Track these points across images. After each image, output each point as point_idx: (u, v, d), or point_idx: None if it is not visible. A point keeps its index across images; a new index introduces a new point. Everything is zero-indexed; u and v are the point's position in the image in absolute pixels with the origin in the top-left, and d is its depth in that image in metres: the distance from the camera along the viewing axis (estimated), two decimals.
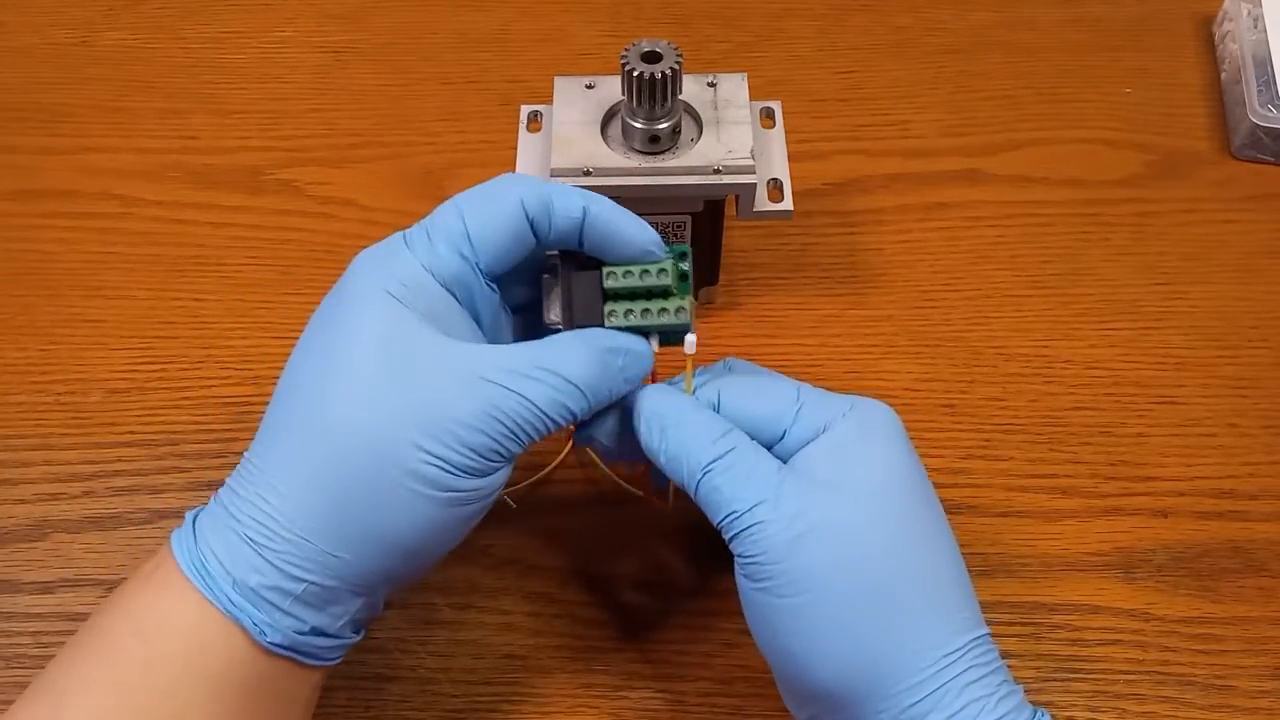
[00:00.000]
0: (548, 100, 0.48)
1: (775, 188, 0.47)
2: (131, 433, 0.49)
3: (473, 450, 0.33)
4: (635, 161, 0.45)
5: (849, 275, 0.54)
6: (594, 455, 0.46)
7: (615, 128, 0.46)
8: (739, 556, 0.34)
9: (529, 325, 0.39)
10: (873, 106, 0.62)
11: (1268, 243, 0.55)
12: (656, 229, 0.37)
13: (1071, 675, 0.42)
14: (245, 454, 0.35)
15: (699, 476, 0.35)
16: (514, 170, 0.47)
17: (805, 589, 0.33)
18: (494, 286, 0.36)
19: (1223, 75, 0.62)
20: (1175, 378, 0.51)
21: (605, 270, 0.36)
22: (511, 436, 0.33)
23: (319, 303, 0.36)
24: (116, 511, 0.47)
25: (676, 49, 0.44)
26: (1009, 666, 0.34)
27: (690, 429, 0.35)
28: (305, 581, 0.33)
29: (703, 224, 0.48)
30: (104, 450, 0.49)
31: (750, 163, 0.45)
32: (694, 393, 0.37)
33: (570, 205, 0.35)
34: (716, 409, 0.37)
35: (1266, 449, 0.48)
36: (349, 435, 0.32)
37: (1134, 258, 0.55)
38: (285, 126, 0.61)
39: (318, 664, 0.35)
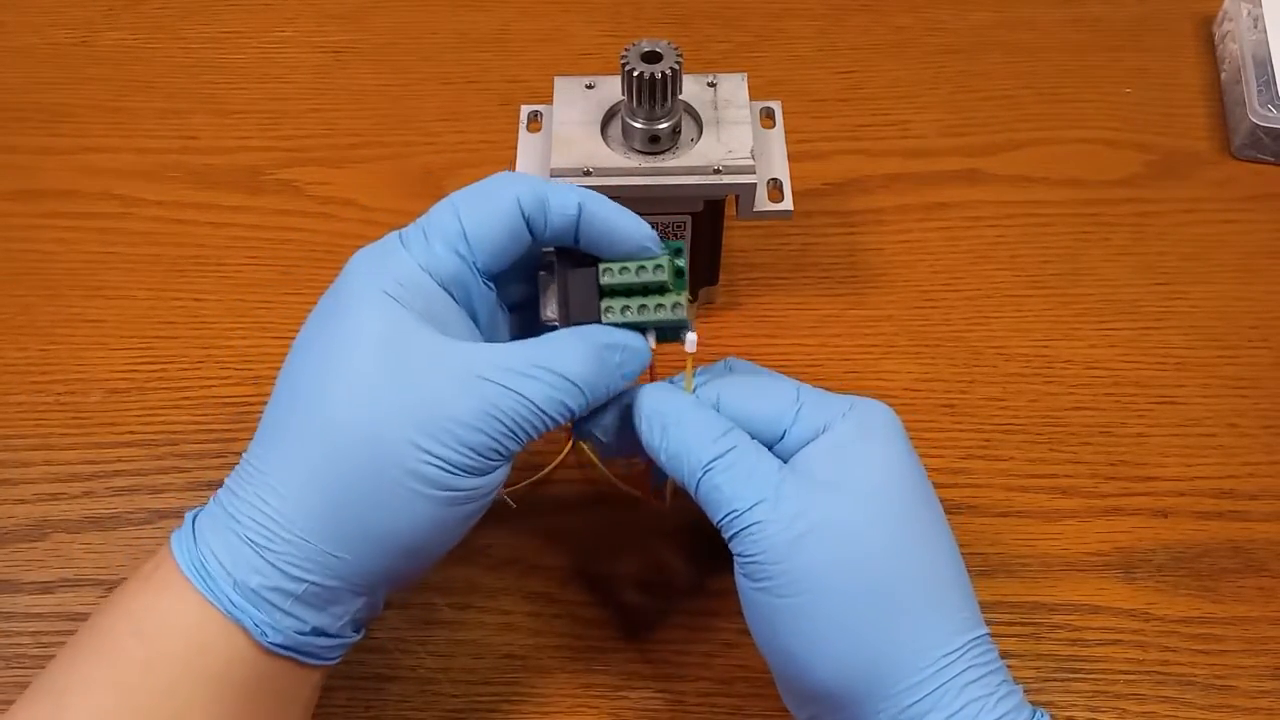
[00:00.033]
0: (548, 100, 0.48)
1: (775, 188, 0.47)
2: (131, 433, 0.49)
3: (472, 449, 0.33)
4: (635, 161, 0.45)
5: (849, 275, 0.54)
6: (591, 456, 0.46)
7: (615, 128, 0.46)
8: (738, 556, 0.34)
9: (525, 322, 0.39)
10: (873, 106, 0.62)
11: (1268, 243, 0.55)
12: (656, 229, 0.37)
13: (1071, 675, 0.42)
14: (244, 455, 0.35)
15: (699, 475, 0.35)
16: (514, 170, 0.47)
17: (805, 589, 0.33)
18: (491, 285, 0.36)
19: (1223, 75, 0.62)
20: (1175, 378, 0.51)
21: (601, 267, 0.36)
22: (510, 435, 0.33)
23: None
24: (116, 511, 0.47)
25: (676, 49, 0.44)
26: (1009, 666, 0.34)
27: (691, 427, 0.35)
28: (306, 582, 0.33)
29: (703, 224, 0.48)
30: (104, 450, 0.49)
31: (750, 163, 0.45)
32: (694, 392, 0.37)
33: (566, 202, 0.35)
34: (716, 409, 0.37)
35: (1266, 449, 0.48)
36: (348, 436, 0.32)
37: (1134, 258, 0.55)
38: (285, 126, 0.61)
39: (318, 663, 0.35)
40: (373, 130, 0.61)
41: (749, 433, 0.36)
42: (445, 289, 0.35)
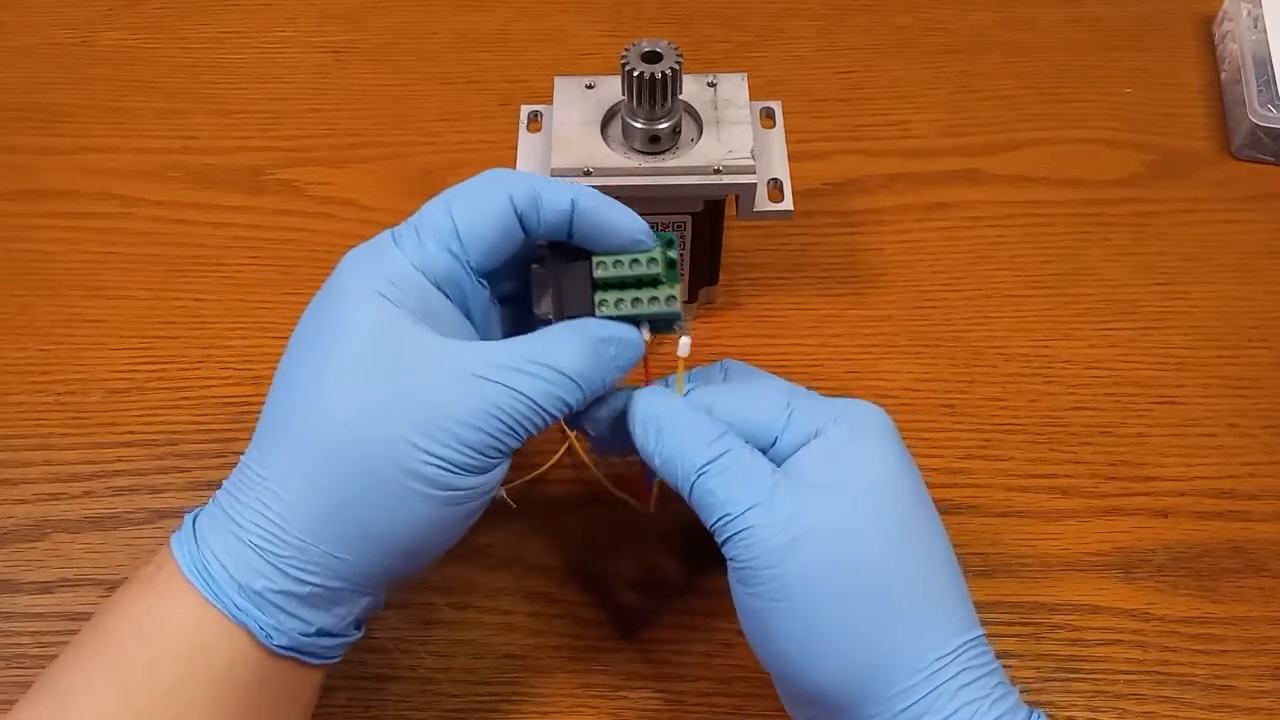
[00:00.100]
0: (548, 100, 0.48)
1: (775, 188, 0.47)
2: (131, 433, 0.49)
3: (471, 448, 0.33)
4: (635, 161, 0.45)
5: (849, 275, 0.54)
6: (584, 457, 0.46)
7: (615, 128, 0.46)
8: (732, 560, 0.34)
9: (518, 316, 0.39)
10: (873, 106, 0.62)
11: (1268, 243, 0.55)
12: (655, 229, 0.37)
13: (1071, 675, 0.42)
14: (243, 458, 0.34)
15: (693, 479, 0.35)
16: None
17: (799, 593, 0.33)
18: (484, 282, 0.36)
19: (1223, 75, 0.62)
20: (1175, 378, 0.51)
21: (595, 260, 0.36)
22: (509, 432, 0.33)
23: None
24: (116, 511, 0.47)
25: (676, 49, 0.44)
26: (1009, 667, 0.34)
27: (685, 431, 0.35)
28: (310, 584, 0.33)
29: (703, 224, 0.48)
30: (104, 450, 0.49)
31: (750, 163, 0.45)
32: (686, 396, 0.37)
33: (559, 198, 0.35)
34: (709, 414, 0.36)
35: (1266, 449, 0.48)
36: (347, 438, 0.32)
37: (1134, 258, 0.55)
38: (285, 126, 0.61)
39: (320, 663, 0.35)
40: (373, 130, 0.61)
41: (742, 437, 0.36)
42: (439, 287, 0.35)
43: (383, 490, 0.32)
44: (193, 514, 0.35)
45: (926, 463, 0.48)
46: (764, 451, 0.36)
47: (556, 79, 0.48)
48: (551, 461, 0.47)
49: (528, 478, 0.46)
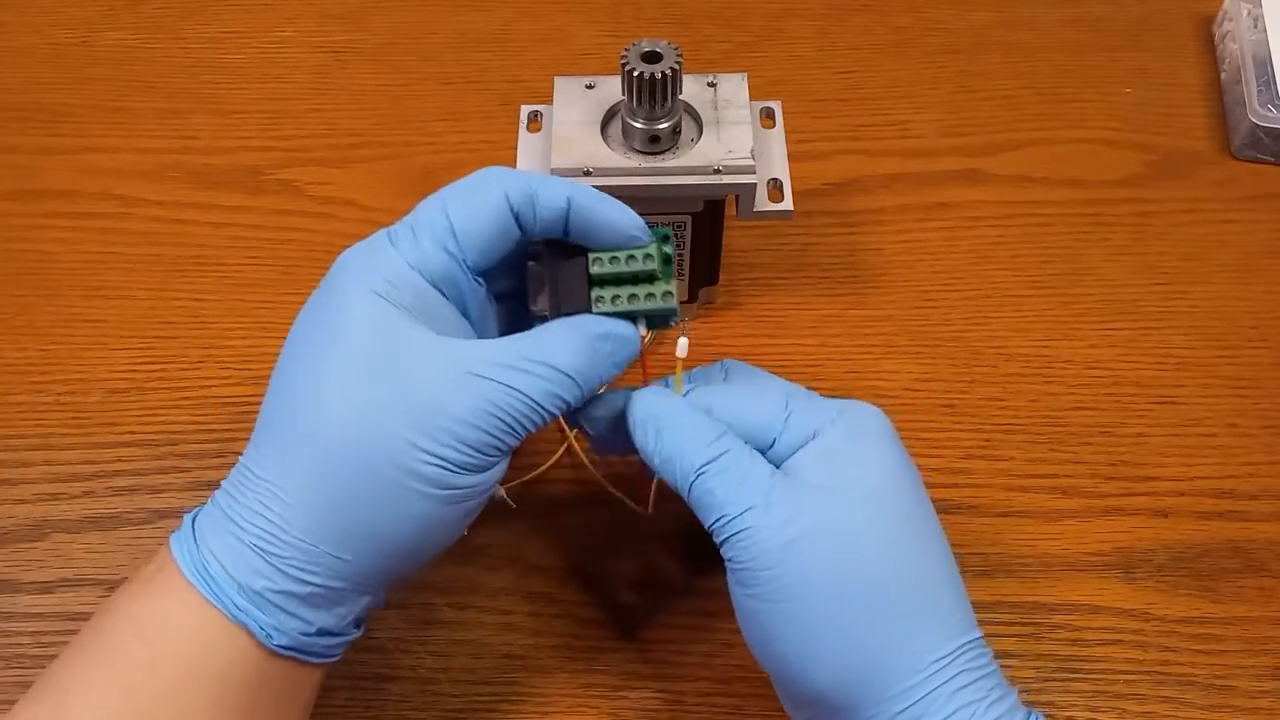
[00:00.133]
0: (548, 100, 0.48)
1: (775, 188, 0.47)
2: (131, 433, 0.49)
3: (470, 447, 0.33)
4: (635, 161, 0.45)
5: (849, 275, 0.54)
6: (583, 457, 0.46)
7: (615, 128, 0.46)
8: (730, 561, 0.34)
9: (514, 313, 0.39)
10: (873, 106, 0.62)
11: (1268, 243, 0.55)
12: (651, 225, 0.37)
13: (1071, 675, 0.42)
14: (241, 458, 0.34)
15: (692, 479, 0.35)
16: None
17: (796, 594, 0.33)
18: (480, 280, 0.36)
19: (1223, 75, 0.62)
20: (1175, 378, 0.51)
21: (591, 257, 0.36)
22: (508, 430, 0.33)
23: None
24: (116, 511, 0.47)
25: (676, 49, 0.44)
26: (1009, 667, 0.34)
27: (685, 431, 0.35)
28: (311, 584, 0.33)
29: (703, 224, 0.48)
30: (104, 450, 0.49)
31: (750, 163, 0.45)
32: (685, 396, 0.37)
33: (555, 196, 0.35)
34: (708, 414, 0.36)
35: (1266, 449, 0.48)
36: (346, 438, 0.32)
37: (1134, 258, 0.55)
38: (285, 126, 0.61)
39: (320, 661, 0.35)
40: (373, 130, 0.61)
41: (742, 438, 0.36)
42: (435, 286, 0.35)
43: (382, 490, 0.32)
44: (192, 514, 0.35)
45: (926, 463, 0.48)
46: (763, 452, 0.36)
47: (556, 79, 0.48)
48: (551, 461, 0.47)
49: (527, 477, 0.46)
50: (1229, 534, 0.46)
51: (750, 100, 0.47)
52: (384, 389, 0.33)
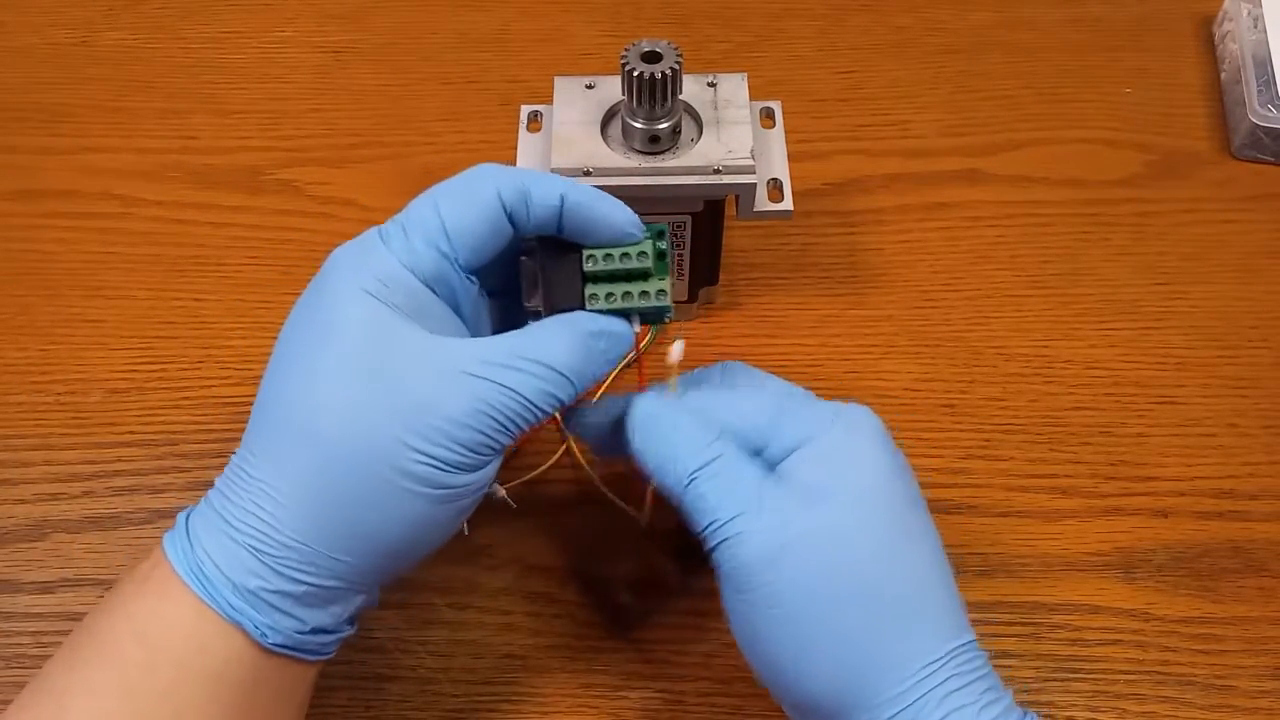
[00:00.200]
0: (548, 100, 0.48)
1: (775, 188, 0.47)
2: (131, 433, 0.49)
3: (464, 446, 0.33)
4: (635, 161, 0.45)
5: (849, 275, 0.54)
6: (582, 460, 0.46)
7: (615, 128, 0.46)
8: (720, 567, 0.34)
9: (507, 309, 0.39)
10: (873, 106, 0.62)
11: (1268, 243, 0.55)
12: (650, 225, 0.37)
13: (1071, 675, 0.42)
14: (233, 457, 0.34)
15: (685, 483, 0.35)
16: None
17: (787, 601, 0.33)
18: (473, 278, 0.36)
19: (1223, 75, 0.62)
20: (1175, 378, 0.51)
21: (585, 254, 0.36)
22: (501, 429, 0.33)
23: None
24: (116, 511, 0.47)
25: (676, 49, 0.44)
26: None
27: (679, 436, 0.35)
28: (305, 584, 0.33)
29: (703, 224, 0.48)
30: (104, 450, 0.49)
31: (750, 163, 0.45)
32: (680, 401, 0.37)
33: (548, 194, 0.35)
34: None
35: (1266, 449, 0.48)
36: (339, 439, 0.32)
37: (1134, 258, 0.55)
38: (285, 126, 0.61)
39: (316, 659, 0.35)
40: (373, 130, 0.61)
41: (736, 442, 0.36)
42: (427, 285, 0.35)
43: (376, 490, 0.32)
44: (185, 513, 0.35)
45: (926, 463, 0.48)
46: (759, 454, 0.36)
47: (556, 79, 0.48)
48: (551, 462, 0.46)
49: (527, 478, 0.46)
50: (1229, 534, 0.46)
51: (750, 100, 0.47)
52: (377, 388, 0.33)
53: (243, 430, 0.35)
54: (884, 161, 0.59)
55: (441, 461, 0.33)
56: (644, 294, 0.36)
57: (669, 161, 0.45)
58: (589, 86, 0.47)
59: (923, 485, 0.47)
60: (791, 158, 0.48)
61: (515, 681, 0.43)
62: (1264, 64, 0.59)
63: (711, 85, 0.47)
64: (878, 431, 0.36)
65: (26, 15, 0.67)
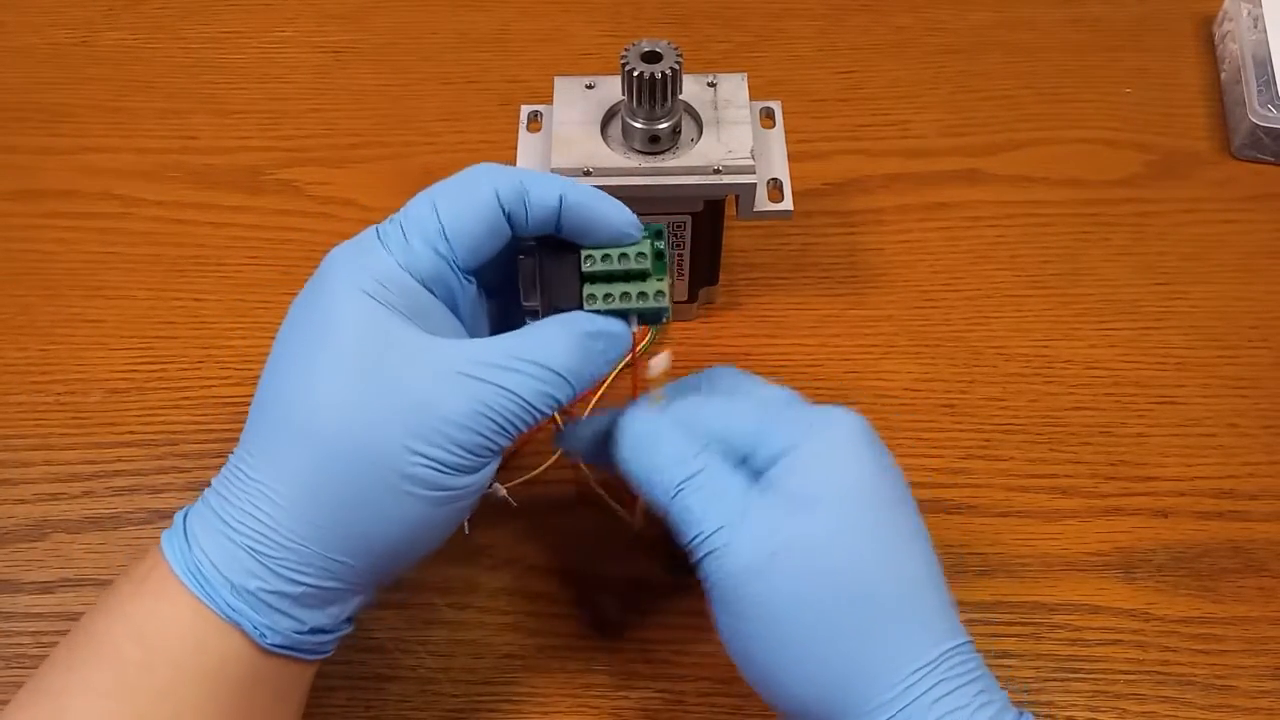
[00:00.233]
0: (548, 100, 0.48)
1: (775, 188, 0.47)
2: (131, 433, 0.49)
3: (463, 448, 0.33)
4: (635, 161, 0.45)
5: (849, 275, 0.54)
6: (581, 461, 0.46)
7: (615, 128, 0.46)
8: (706, 579, 0.34)
9: (504, 307, 0.39)
10: (873, 106, 0.62)
11: (1268, 243, 0.55)
12: (648, 225, 0.37)
13: (1071, 675, 0.42)
14: (231, 457, 0.34)
15: (671, 495, 0.35)
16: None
17: (773, 611, 0.33)
18: (471, 279, 0.36)
19: (1223, 75, 0.62)
20: (1175, 378, 0.51)
21: (584, 254, 0.36)
22: (500, 431, 0.33)
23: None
24: (116, 511, 0.47)
25: (676, 49, 0.44)
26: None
27: (664, 448, 0.35)
28: (304, 585, 0.33)
29: (703, 224, 0.48)
30: (104, 450, 0.49)
31: (750, 163, 0.45)
32: (666, 413, 0.37)
33: (547, 194, 0.35)
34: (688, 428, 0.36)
35: (1266, 449, 0.48)
36: (338, 441, 0.32)
37: (1134, 258, 0.55)
38: (285, 126, 0.61)
39: (313, 659, 0.35)
40: (373, 130, 0.61)
41: (720, 452, 0.35)
42: (425, 286, 0.35)
43: (375, 492, 0.32)
44: (182, 513, 0.35)
45: (926, 462, 0.48)
46: (744, 464, 0.36)
47: (556, 79, 0.48)
48: (549, 462, 0.46)
49: (527, 477, 0.46)
50: (1229, 534, 0.46)
51: (750, 100, 0.47)
52: (375, 390, 0.32)
53: (242, 430, 0.35)
54: (884, 161, 0.59)
55: (441, 463, 0.33)
56: (642, 295, 0.36)
57: (669, 161, 0.45)
58: (589, 86, 0.47)
59: (922, 485, 0.47)
60: (791, 158, 0.48)
61: (515, 681, 0.43)
62: (1264, 64, 0.59)
63: (711, 85, 0.47)
64: (863, 434, 0.36)
65: (26, 15, 0.67)
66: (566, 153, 0.45)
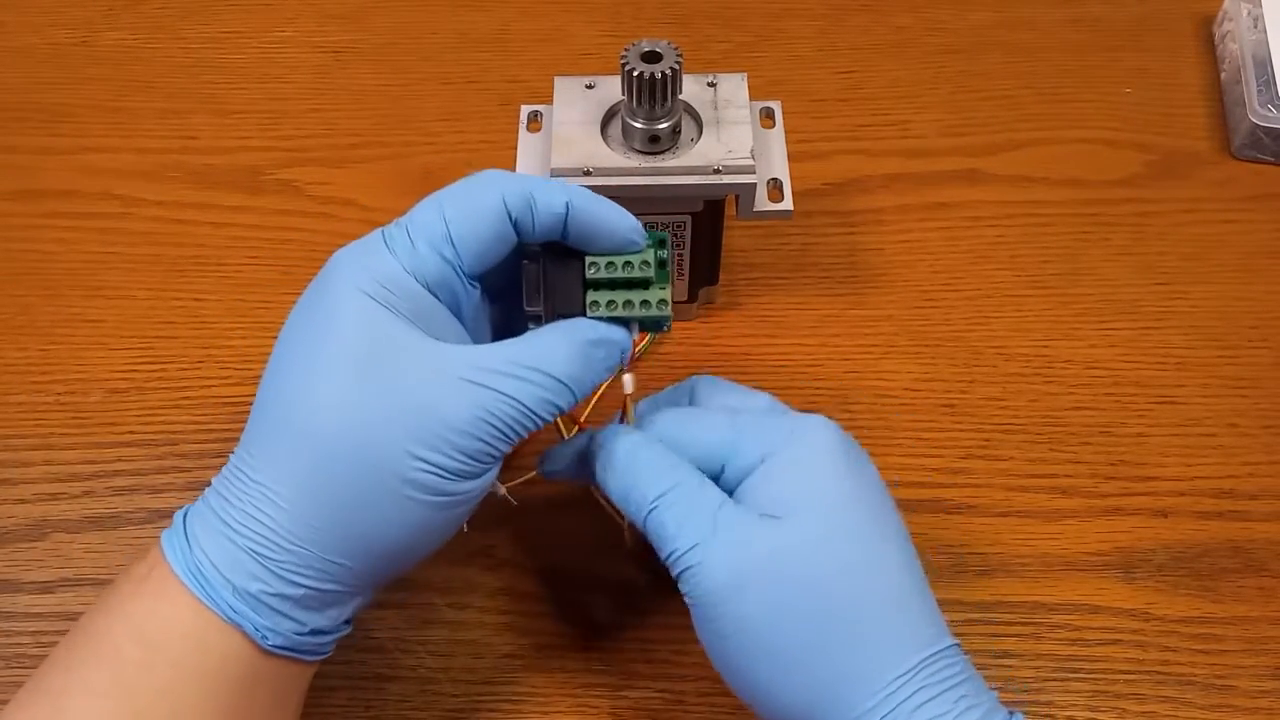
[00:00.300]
0: (548, 100, 0.48)
1: (775, 188, 0.47)
2: (131, 433, 0.49)
3: (465, 454, 0.33)
4: (635, 161, 0.45)
5: (849, 275, 0.54)
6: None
7: (615, 128, 0.46)
8: (686, 594, 0.34)
9: (506, 311, 0.39)
10: (873, 106, 0.62)
11: (1268, 243, 0.55)
12: (648, 228, 0.37)
13: (1071, 675, 0.42)
14: (232, 458, 0.34)
15: (646, 512, 0.35)
16: (514, 170, 0.47)
17: (750, 626, 0.33)
18: (475, 284, 0.36)
19: (1223, 75, 0.62)
20: (1175, 378, 0.51)
21: (588, 261, 0.36)
22: (502, 437, 0.33)
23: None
24: (116, 511, 0.47)
25: (676, 49, 0.44)
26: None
27: (638, 464, 0.36)
28: (305, 587, 0.33)
29: (703, 224, 0.48)
30: (104, 450, 0.49)
31: (750, 163, 0.45)
32: (642, 430, 0.37)
33: (553, 201, 0.35)
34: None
35: (1266, 449, 0.48)
36: (341, 444, 0.32)
37: (1134, 258, 0.55)
38: (285, 126, 0.61)
39: (313, 659, 0.35)
40: (373, 130, 0.61)
41: (695, 465, 0.36)
42: (430, 290, 0.35)
43: (375, 495, 0.32)
44: (182, 512, 0.35)
45: (926, 462, 0.48)
46: (717, 478, 0.36)
47: (556, 79, 0.48)
48: None
49: (526, 477, 0.46)
50: (1229, 534, 0.46)
51: (750, 100, 0.47)
52: (378, 394, 0.32)
53: (242, 430, 0.35)
54: (884, 161, 0.59)
55: (442, 468, 0.33)
56: (644, 303, 0.37)
57: (669, 161, 0.45)
58: (589, 86, 0.47)
59: (922, 485, 0.47)
60: (791, 158, 0.48)
61: (515, 681, 0.43)
62: (1264, 64, 0.59)
63: (711, 85, 0.47)
64: (836, 442, 0.35)
65: (26, 15, 0.67)
66: (566, 153, 0.45)
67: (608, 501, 0.44)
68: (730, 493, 0.35)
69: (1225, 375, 0.51)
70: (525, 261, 0.37)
